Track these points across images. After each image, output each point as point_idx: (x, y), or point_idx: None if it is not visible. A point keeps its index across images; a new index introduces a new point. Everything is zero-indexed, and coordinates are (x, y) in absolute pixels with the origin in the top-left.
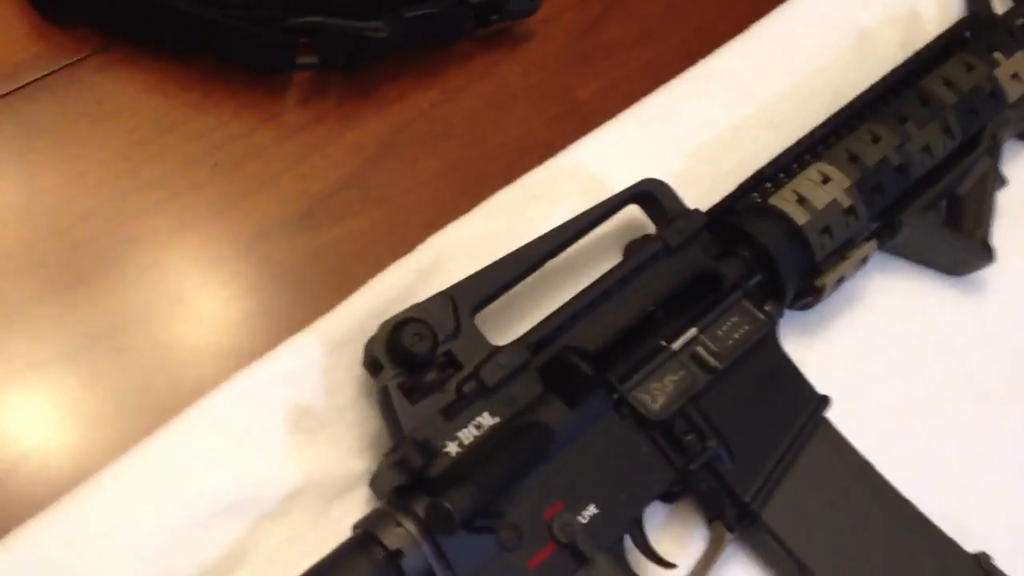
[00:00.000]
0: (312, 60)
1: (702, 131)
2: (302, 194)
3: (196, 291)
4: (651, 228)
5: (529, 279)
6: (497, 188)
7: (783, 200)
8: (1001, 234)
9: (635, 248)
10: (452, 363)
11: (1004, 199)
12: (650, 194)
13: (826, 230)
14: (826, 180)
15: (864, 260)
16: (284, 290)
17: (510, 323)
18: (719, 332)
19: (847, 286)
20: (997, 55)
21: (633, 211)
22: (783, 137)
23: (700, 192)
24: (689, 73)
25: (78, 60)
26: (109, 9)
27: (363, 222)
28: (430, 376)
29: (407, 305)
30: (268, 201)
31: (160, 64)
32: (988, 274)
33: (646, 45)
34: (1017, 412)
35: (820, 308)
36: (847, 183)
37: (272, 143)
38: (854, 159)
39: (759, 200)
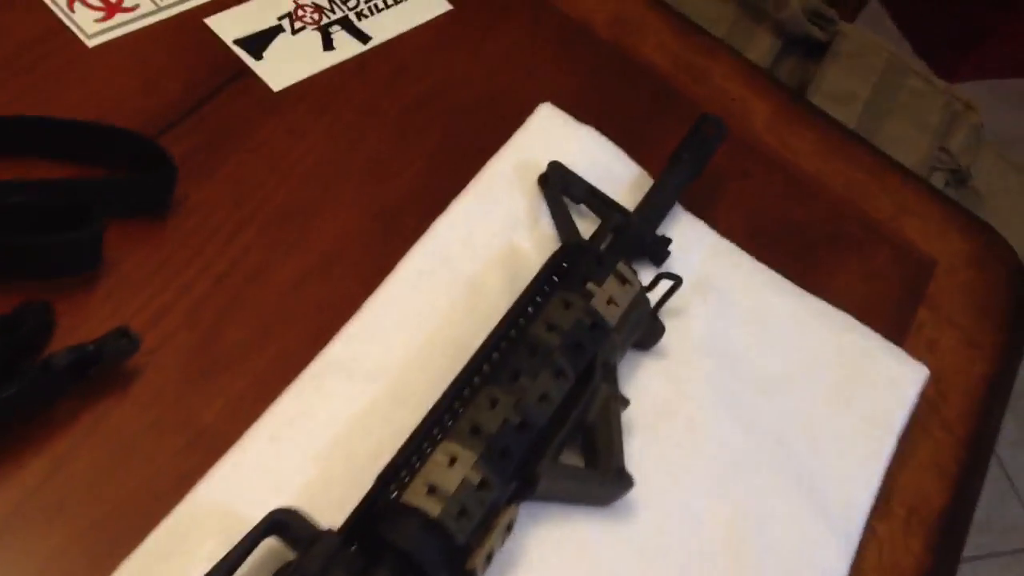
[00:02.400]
0: None
1: (332, 427)
2: None
3: None
4: (293, 554)
5: None
6: (131, 549)
7: (415, 494)
8: (636, 450)
9: None
10: None
11: (632, 414)
12: (281, 523)
13: (462, 513)
14: (453, 461)
15: (509, 526)
16: None
17: None
18: None
19: (504, 551)
20: (591, 285)
21: (273, 541)
22: (413, 411)
23: (341, 493)
24: (310, 369)
25: None
26: None
27: None
28: None
29: None
30: None
31: None
32: (634, 494)
33: (268, 342)
34: None
35: None
36: (473, 458)
37: None
38: (477, 430)
39: (394, 496)
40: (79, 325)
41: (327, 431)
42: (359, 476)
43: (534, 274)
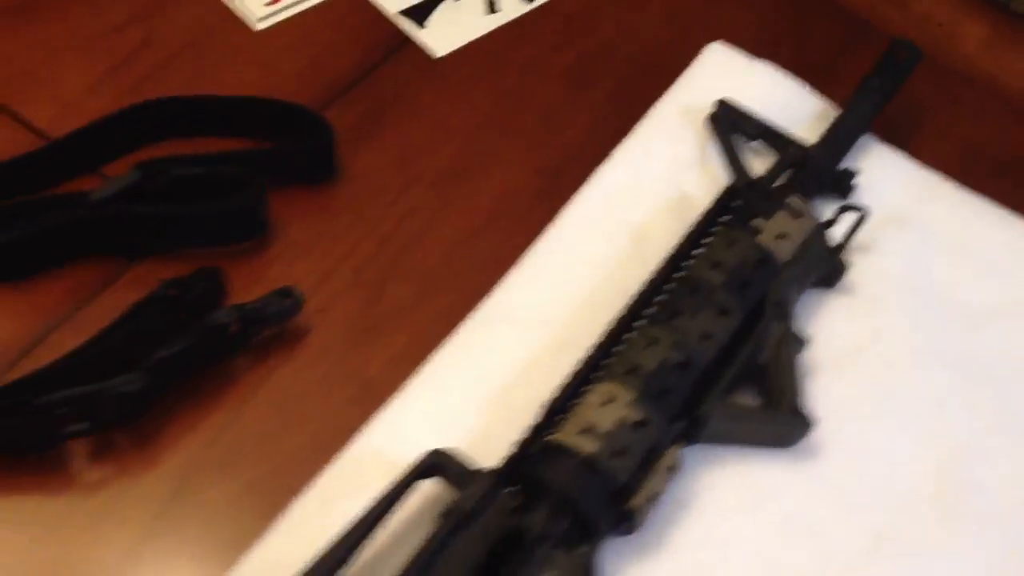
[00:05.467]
0: (82, 426)
1: (496, 376)
2: (109, 567)
3: None
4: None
5: None
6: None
7: (569, 434)
8: (822, 390)
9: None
10: None
11: (817, 354)
12: (438, 464)
13: (620, 452)
14: (609, 400)
15: (672, 468)
16: None
17: None
18: None
19: (673, 493)
20: (757, 221)
21: (435, 484)
22: (575, 358)
23: (502, 439)
24: (472, 319)
25: None
26: None
27: None
28: None
29: None
30: None
31: None
32: (820, 436)
33: (431, 299)
34: (885, 568)
35: (653, 525)
36: (630, 397)
37: (67, 514)
38: (634, 370)
39: (549, 438)
40: (249, 289)
41: (488, 379)
42: (519, 423)
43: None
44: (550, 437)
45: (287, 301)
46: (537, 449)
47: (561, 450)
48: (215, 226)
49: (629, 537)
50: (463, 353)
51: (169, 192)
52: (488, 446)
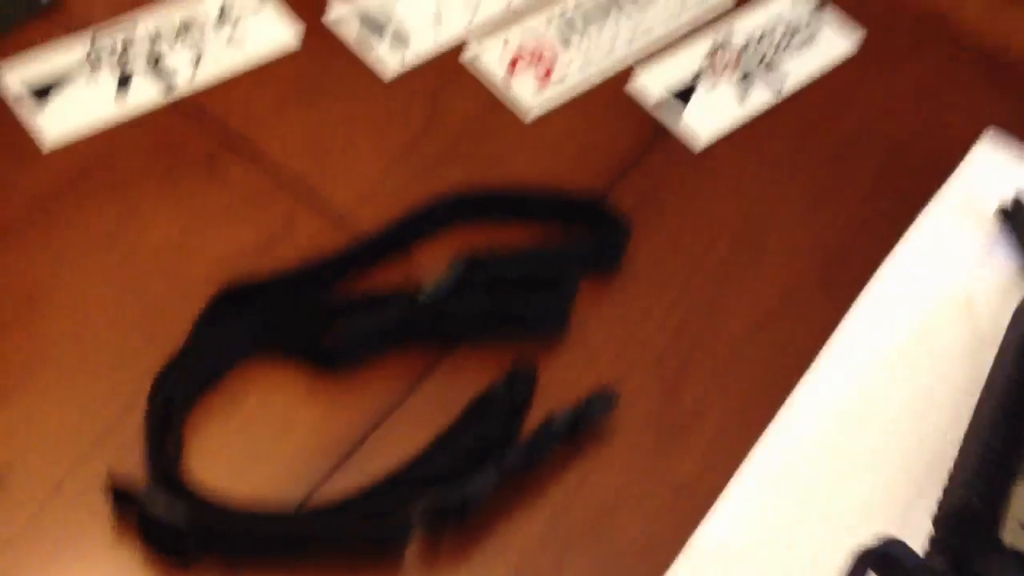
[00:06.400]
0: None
1: (816, 472)
2: None
3: None
4: None
5: None
6: None
7: (1014, 535)
8: None
9: None
10: None
11: None
12: (889, 556)
13: None
14: None
15: None
16: None
17: None
18: None
19: None
20: None
21: None
22: (901, 450)
23: (846, 536)
24: (782, 417)
25: None
26: (230, 545)
27: None
28: None
29: None
30: None
31: None
32: None
33: (727, 395)
34: None
35: None
36: None
37: None
38: None
39: (990, 536)
40: (552, 381)
41: (811, 474)
42: (864, 519)
43: (995, 319)
44: (996, 537)
45: (605, 401)
46: (977, 543)
47: (1008, 552)
48: (528, 320)
49: None
50: (782, 452)
51: (487, 286)
52: (832, 542)
